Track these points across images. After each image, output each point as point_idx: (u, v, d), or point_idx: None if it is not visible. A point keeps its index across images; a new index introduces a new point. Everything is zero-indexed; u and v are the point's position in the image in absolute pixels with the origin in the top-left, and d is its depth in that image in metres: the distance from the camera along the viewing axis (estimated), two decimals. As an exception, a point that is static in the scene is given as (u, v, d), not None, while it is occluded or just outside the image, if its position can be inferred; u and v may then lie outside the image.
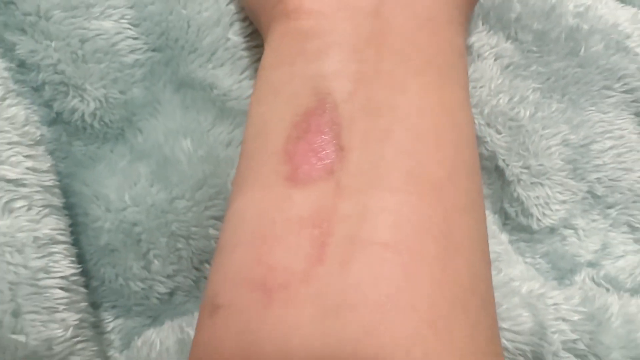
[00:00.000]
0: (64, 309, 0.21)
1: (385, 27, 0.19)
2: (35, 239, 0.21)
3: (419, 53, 0.19)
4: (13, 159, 0.22)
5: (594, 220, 0.29)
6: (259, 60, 0.26)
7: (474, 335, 0.16)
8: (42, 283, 0.21)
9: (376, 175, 0.17)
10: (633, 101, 0.28)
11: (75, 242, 0.26)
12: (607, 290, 0.26)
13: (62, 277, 0.22)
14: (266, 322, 0.15)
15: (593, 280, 0.28)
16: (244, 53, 0.26)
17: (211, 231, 0.26)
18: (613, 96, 0.28)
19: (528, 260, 0.29)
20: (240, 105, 0.26)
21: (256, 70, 0.26)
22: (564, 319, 0.24)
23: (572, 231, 0.29)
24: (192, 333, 0.24)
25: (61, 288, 0.21)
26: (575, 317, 0.24)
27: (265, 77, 0.20)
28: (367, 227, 0.16)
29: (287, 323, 0.15)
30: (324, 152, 0.17)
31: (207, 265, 0.27)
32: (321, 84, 0.18)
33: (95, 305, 0.26)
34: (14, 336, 0.20)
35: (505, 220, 0.29)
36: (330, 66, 0.18)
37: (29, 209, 0.22)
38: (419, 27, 0.19)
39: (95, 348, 0.23)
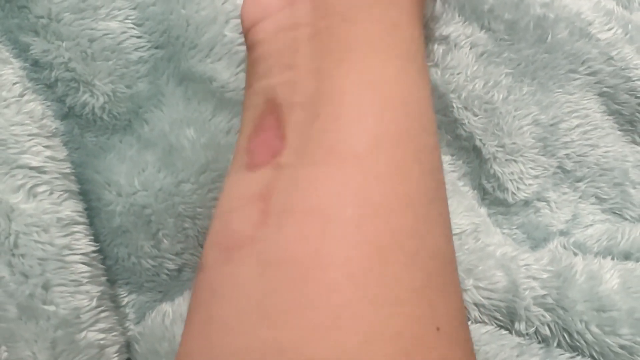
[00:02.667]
0: (87, 282, 0.24)
1: (319, 29, 0.22)
2: (59, 219, 0.23)
3: (339, 43, 0.22)
4: (34, 148, 0.24)
5: (564, 193, 0.32)
6: (253, 54, 0.29)
7: (392, 286, 0.18)
8: (67, 259, 0.23)
9: (304, 153, 0.20)
10: (596, 82, 0.31)
11: (90, 225, 0.29)
12: (575, 254, 0.29)
13: (83, 254, 0.24)
14: (224, 275, 0.19)
15: (564, 247, 0.30)
16: (240, 48, 0.29)
17: (214, 211, 0.28)
18: (578, 79, 0.31)
19: (505, 231, 0.31)
20: (237, 96, 0.28)
21: (251, 63, 0.29)
22: (534, 277, 0.26)
23: (544, 203, 0.31)
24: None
25: (84, 263, 0.24)
26: (544, 275, 0.26)
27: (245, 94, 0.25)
28: (297, 197, 0.19)
29: (239, 276, 0.19)
30: (271, 143, 0.21)
31: (211, 243, 0.29)
32: (269, 93, 0.22)
33: (110, 282, 0.29)
34: (45, 306, 0.22)
35: (484, 195, 0.32)
36: (274, 78, 0.23)
37: (51, 193, 0.24)
38: (343, 19, 0.22)
39: (116, 317, 0.25)
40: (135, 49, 0.29)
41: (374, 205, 0.19)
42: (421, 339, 0.18)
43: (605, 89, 0.31)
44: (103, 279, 0.25)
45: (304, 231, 0.19)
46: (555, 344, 0.26)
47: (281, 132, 0.21)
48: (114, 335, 0.24)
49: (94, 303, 0.23)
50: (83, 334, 0.23)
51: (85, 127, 0.30)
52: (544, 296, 0.26)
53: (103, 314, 0.24)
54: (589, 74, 0.31)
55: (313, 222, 0.19)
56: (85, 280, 0.23)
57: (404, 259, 0.19)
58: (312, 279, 0.18)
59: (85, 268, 0.24)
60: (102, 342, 0.23)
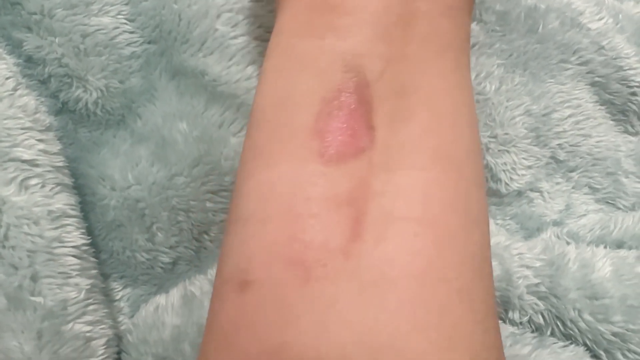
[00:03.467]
0: (77, 275, 0.24)
1: (413, 10, 0.19)
2: (50, 212, 0.24)
3: (440, 37, 0.19)
4: (26, 142, 0.25)
5: (557, 183, 0.32)
6: (244, 48, 0.29)
7: (488, 299, 0.17)
8: (56, 251, 0.23)
9: (404, 154, 0.17)
10: (588, 72, 0.31)
11: (85, 219, 0.29)
12: (568, 243, 0.29)
13: (74, 247, 0.24)
14: (304, 298, 0.15)
15: (557, 237, 0.30)
16: (231, 42, 0.29)
17: (208, 204, 0.29)
18: (570, 69, 0.31)
19: (499, 221, 0.31)
20: (229, 89, 0.28)
21: (243, 57, 0.29)
22: (527, 266, 0.26)
23: (537, 194, 0.31)
24: (195, 291, 0.27)
25: (74, 256, 0.24)
26: (537, 264, 0.26)
27: (287, 46, 0.20)
28: (400, 204, 0.17)
29: (325, 298, 0.15)
30: (356, 130, 0.17)
31: (205, 236, 0.29)
32: (353, 61, 0.18)
33: (104, 277, 0.29)
34: (33, 298, 0.22)
35: (477, 186, 0.32)
36: (362, 44, 0.18)
37: (43, 186, 0.24)
38: (441, 13, 0.20)
39: (106, 310, 0.25)
40: (128, 44, 0.29)
41: (474, 217, 0.18)
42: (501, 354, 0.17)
43: (596, 79, 0.31)
44: (94, 272, 0.25)
45: (412, 244, 0.16)
46: (548, 333, 0.26)
47: (368, 118, 0.18)
48: (102, 328, 0.24)
49: (82, 295, 0.23)
50: (69, 325, 0.23)
51: (79, 122, 0.30)
52: (537, 284, 0.26)
53: (91, 307, 0.24)
54: (580, 64, 0.31)
55: (422, 233, 0.16)
56: (74, 273, 0.24)
57: (490, 271, 0.18)
58: (423, 299, 0.16)
59: (75, 261, 0.24)
60: (88, 334, 0.23)
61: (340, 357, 0.15)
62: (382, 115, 0.18)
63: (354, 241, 0.16)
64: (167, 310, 0.26)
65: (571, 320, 0.26)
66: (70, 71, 0.29)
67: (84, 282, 0.24)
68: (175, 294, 0.27)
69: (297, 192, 0.17)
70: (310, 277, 0.16)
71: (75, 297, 0.24)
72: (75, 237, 0.25)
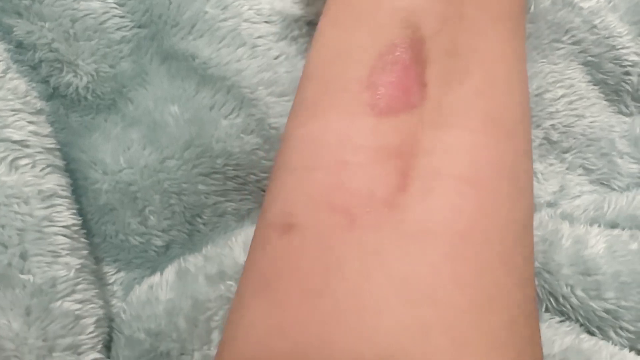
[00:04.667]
0: (67, 254, 0.24)
1: None
2: (40, 192, 0.24)
3: (498, 3, 0.20)
4: (17, 123, 0.25)
5: (551, 165, 0.32)
6: (234, 30, 0.29)
7: (528, 268, 0.17)
8: (46, 230, 0.23)
9: (455, 114, 0.17)
10: (580, 52, 0.31)
11: (78, 204, 0.29)
12: (562, 223, 0.29)
13: (64, 226, 0.24)
14: (347, 243, 0.16)
15: (551, 217, 0.30)
16: (221, 24, 0.29)
17: (200, 187, 0.28)
18: (562, 48, 0.31)
19: (492, 203, 0.31)
20: (219, 72, 0.28)
21: (233, 39, 0.29)
22: (518, 244, 0.26)
23: (531, 175, 0.31)
24: (189, 267, 0.27)
25: (64, 235, 0.24)
26: (529, 241, 0.26)
27: (344, 1, 0.20)
28: (448, 162, 0.17)
29: (368, 245, 0.16)
30: (408, 86, 0.18)
31: (198, 219, 0.29)
32: (410, 18, 0.18)
33: (97, 260, 0.29)
34: (22, 276, 0.22)
35: (470, 168, 0.32)
36: (420, 2, 0.19)
37: (33, 166, 0.24)
38: None
39: (96, 291, 0.25)
40: (118, 29, 0.29)
41: (521, 186, 0.18)
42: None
43: (589, 58, 0.31)
44: (84, 252, 0.25)
45: (457, 201, 0.16)
46: (543, 309, 0.26)
47: (421, 75, 0.18)
48: (92, 307, 0.24)
49: (71, 274, 0.23)
50: (58, 302, 0.23)
51: (70, 107, 0.30)
52: (529, 262, 0.26)
53: (81, 286, 0.24)
54: (572, 43, 0.30)
55: (468, 193, 0.16)
56: (64, 252, 0.24)
57: (531, 240, 0.18)
58: (464, 257, 0.16)
59: (64, 240, 0.24)
60: (77, 312, 0.23)
61: (380, 307, 0.15)
62: (435, 74, 0.18)
63: (399, 193, 0.16)
64: (161, 286, 0.26)
65: (564, 296, 0.26)
66: (61, 56, 0.29)
67: (74, 262, 0.24)
68: (169, 271, 0.27)
69: (346, 141, 0.17)
70: (355, 224, 0.16)
71: (64, 276, 0.24)
72: (66, 217, 0.25)
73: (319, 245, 0.16)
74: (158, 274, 0.27)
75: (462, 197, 0.16)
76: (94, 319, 0.24)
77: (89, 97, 0.30)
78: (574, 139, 0.31)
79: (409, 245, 0.16)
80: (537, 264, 0.26)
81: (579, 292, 0.25)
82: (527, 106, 0.20)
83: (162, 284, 0.26)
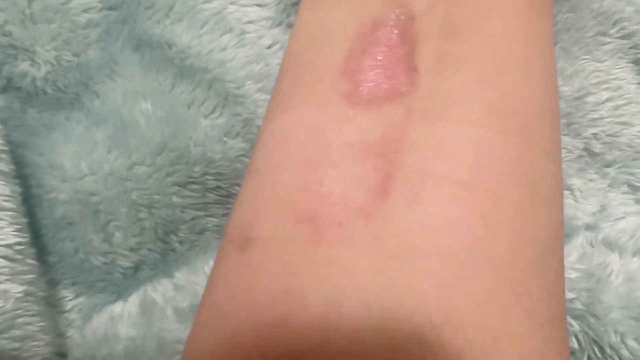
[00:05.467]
0: (6, 280, 0.19)
1: None
2: (-27, 205, 0.19)
3: None
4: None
5: (591, 180, 0.27)
6: (219, 13, 0.24)
7: (550, 301, 0.13)
8: (-20, 252, 0.19)
9: (454, 104, 0.14)
10: (631, 47, 0.26)
11: (31, 216, 0.24)
12: (610, 252, 0.24)
13: (4, 246, 0.20)
14: (313, 263, 0.13)
15: (591, 244, 0.25)
16: (204, 6, 0.24)
17: (175, 199, 0.24)
18: (609, 43, 0.26)
19: (521, 224, 0.27)
20: (200, 62, 0.24)
21: (217, 24, 0.24)
22: (558, 280, 0.22)
23: (568, 192, 0.27)
24: (156, 297, 0.22)
25: (3, 257, 0.20)
26: (573, 275, 0.22)
27: None
28: (442, 162, 0.14)
29: (339, 267, 0.13)
30: (394, 70, 0.15)
31: (173, 237, 0.25)
32: None
33: (53, 283, 0.25)
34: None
35: (495, 182, 0.27)
36: None
37: (-35, 173, 0.20)
38: None
39: (42, 324, 0.21)
40: (84, 10, 0.25)
41: (539, 193, 0.14)
42: None
43: (641, 56, 0.26)
44: (30, 276, 0.21)
45: (453, 211, 0.13)
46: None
47: (409, 58, 0.15)
48: (35, 346, 0.20)
49: (9, 305, 0.19)
50: (-9, 341, 0.18)
51: (27, 101, 0.25)
52: (571, 300, 0.21)
53: (21, 319, 0.20)
54: (621, 37, 0.26)
55: (467, 201, 0.13)
56: (2, 278, 0.19)
57: (558, 266, 0.15)
58: (461, 283, 0.12)
59: (3, 263, 0.20)
60: (15, 352, 0.19)
61: (350, 339, 0.12)
62: (429, 57, 0.15)
63: (380, 199, 0.13)
64: (122, 319, 0.22)
65: (611, 346, 0.21)
66: (15, 41, 0.25)
67: (15, 289, 0.20)
68: (133, 301, 0.23)
69: (318, 137, 0.14)
70: (322, 238, 0.13)
71: (1, 307, 0.19)
72: (7, 234, 0.21)
73: (279, 263, 0.13)
74: (120, 303, 0.23)
75: (458, 205, 0.13)
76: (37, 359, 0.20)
77: (49, 90, 0.25)
78: (619, 150, 0.27)
79: (388, 267, 0.12)
80: (579, 305, 0.21)
81: (631, 342, 0.21)
82: (552, 95, 0.16)
83: (124, 316, 0.22)
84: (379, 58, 0.15)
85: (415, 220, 0.13)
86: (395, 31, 0.15)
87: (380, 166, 0.14)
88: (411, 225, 0.13)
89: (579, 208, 0.27)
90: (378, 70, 0.15)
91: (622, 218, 0.27)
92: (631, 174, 0.27)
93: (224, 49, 0.24)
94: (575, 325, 0.21)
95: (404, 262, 0.12)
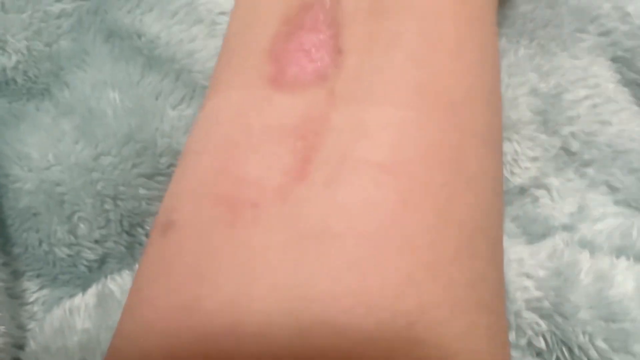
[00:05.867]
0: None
1: None
2: None
3: None
4: None
5: (569, 180, 0.26)
6: (190, 4, 0.24)
7: (477, 286, 0.13)
8: None
9: (379, 85, 0.14)
10: (609, 45, 0.25)
11: (-3, 206, 0.24)
12: (581, 251, 0.23)
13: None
14: (228, 244, 0.13)
15: (567, 244, 0.25)
16: (175, -4, 0.24)
17: (141, 191, 0.24)
18: (586, 40, 0.25)
19: (496, 224, 0.26)
20: (168, 52, 0.24)
21: (187, 14, 0.24)
22: (527, 275, 0.21)
23: (544, 191, 0.26)
24: (114, 288, 0.22)
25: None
26: (541, 273, 0.21)
27: None
28: (362, 144, 0.14)
29: (252, 248, 0.13)
30: (318, 53, 0.15)
31: (139, 230, 0.24)
32: None
33: (17, 274, 0.24)
34: None
35: (471, 180, 0.26)
36: None
37: None
38: None
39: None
40: (57, 0, 0.25)
41: (467, 176, 0.14)
42: None
43: (620, 53, 0.25)
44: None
45: (371, 193, 0.13)
46: (552, 361, 0.21)
47: (334, 41, 0.15)
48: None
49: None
50: None
51: (-3, 91, 0.25)
52: (539, 299, 0.21)
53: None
54: (600, 34, 0.25)
55: (387, 183, 0.13)
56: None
57: (488, 252, 0.14)
58: (376, 267, 0.12)
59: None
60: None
61: (260, 325, 0.12)
62: (355, 38, 0.15)
63: (296, 182, 0.13)
64: (79, 311, 0.21)
65: (580, 347, 0.20)
66: (-15, 29, 0.24)
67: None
68: (91, 293, 0.22)
69: (238, 119, 0.15)
70: (238, 220, 0.13)
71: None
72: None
73: (195, 244, 0.13)
74: (80, 295, 0.23)
75: (378, 187, 0.13)
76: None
77: (19, 79, 0.25)
78: (598, 150, 0.26)
79: (301, 248, 0.12)
80: (547, 304, 0.21)
81: (600, 343, 0.20)
82: (489, 79, 0.16)
83: (81, 308, 0.21)
84: (302, 41, 0.15)
85: (331, 202, 0.13)
86: (322, 14, 0.15)
87: (300, 149, 0.14)
88: (327, 208, 0.13)
89: (556, 208, 0.26)
90: (302, 54, 0.15)
91: (601, 219, 0.26)
92: (610, 174, 0.26)
93: (193, 40, 0.24)
94: (543, 325, 0.21)
95: (317, 244, 0.12)
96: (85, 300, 0.22)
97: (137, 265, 0.23)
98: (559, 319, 0.20)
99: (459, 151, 0.14)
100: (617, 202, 0.26)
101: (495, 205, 0.15)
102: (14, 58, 0.25)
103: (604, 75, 0.26)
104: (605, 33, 0.25)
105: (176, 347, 0.12)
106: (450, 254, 0.13)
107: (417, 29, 0.15)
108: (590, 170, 0.26)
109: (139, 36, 0.24)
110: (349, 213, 0.13)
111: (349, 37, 0.15)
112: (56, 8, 0.25)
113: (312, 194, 0.13)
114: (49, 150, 0.24)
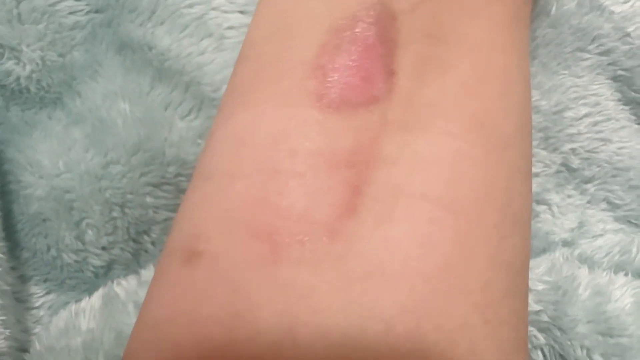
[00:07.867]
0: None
1: None
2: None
3: None
4: None
5: (569, 196, 0.27)
6: (200, 18, 0.25)
7: (519, 327, 0.13)
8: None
9: (431, 113, 0.13)
10: (609, 64, 0.26)
11: (8, 213, 0.25)
12: (580, 266, 0.24)
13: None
14: (268, 284, 0.12)
15: (567, 259, 0.25)
16: (185, 11, 0.25)
17: (148, 199, 0.24)
18: (587, 59, 0.26)
19: (497, 238, 0.26)
20: (178, 64, 0.24)
21: (197, 28, 0.25)
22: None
23: (545, 207, 0.26)
24: (119, 291, 0.22)
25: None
26: (540, 287, 0.21)
27: None
28: (417, 177, 0.13)
29: (296, 289, 0.12)
30: (370, 72, 0.14)
31: (146, 237, 0.25)
32: None
33: (24, 279, 0.25)
34: None
35: (472, 194, 0.27)
36: None
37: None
38: None
39: (3, 317, 0.21)
40: (71, 12, 0.26)
41: (514, 215, 0.13)
42: None
43: (620, 72, 0.26)
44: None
45: (426, 231, 0.12)
46: (549, 376, 0.21)
47: (387, 60, 0.14)
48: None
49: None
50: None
51: (11, 99, 0.26)
52: (537, 312, 0.21)
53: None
54: (600, 53, 0.26)
55: (444, 221, 0.12)
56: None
57: (526, 291, 0.14)
58: (433, 310, 0.12)
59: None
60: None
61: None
62: (409, 60, 0.14)
63: (347, 217, 0.12)
64: (84, 312, 0.22)
65: (578, 362, 0.21)
66: (1, 39, 0.25)
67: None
68: (97, 295, 0.23)
69: (280, 142, 0.13)
70: (280, 256, 0.12)
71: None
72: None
73: (228, 282, 0.12)
74: (87, 298, 0.23)
75: (434, 226, 0.12)
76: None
77: (32, 88, 0.26)
78: (598, 167, 0.26)
79: (353, 290, 0.11)
80: (545, 318, 0.21)
81: (597, 357, 0.20)
82: (528, 111, 0.15)
83: (87, 309, 0.22)
84: (353, 57, 0.14)
85: (384, 240, 0.12)
86: (374, 29, 0.14)
87: (349, 179, 0.12)
88: (379, 246, 0.12)
89: (556, 224, 0.26)
90: (352, 71, 0.14)
91: (601, 235, 0.26)
92: (610, 191, 0.27)
93: (202, 53, 0.24)
94: (541, 339, 0.21)
95: (369, 286, 0.11)
96: (91, 302, 0.22)
97: (142, 272, 0.23)
98: (557, 333, 0.21)
99: (507, 189, 0.13)
100: (617, 219, 0.27)
101: (529, 243, 0.14)
102: (29, 67, 0.25)
103: (605, 94, 0.26)
104: (605, 52, 0.26)
105: None
106: (499, 296, 0.12)
107: (470, 59, 0.14)
108: (590, 187, 0.27)
109: (150, 48, 0.25)
110: (404, 252, 0.12)
111: (402, 57, 0.14)
112: (70, 20, 0.26)
113: (363, 230, 0.12)
114: (60, 157, 0.25)
